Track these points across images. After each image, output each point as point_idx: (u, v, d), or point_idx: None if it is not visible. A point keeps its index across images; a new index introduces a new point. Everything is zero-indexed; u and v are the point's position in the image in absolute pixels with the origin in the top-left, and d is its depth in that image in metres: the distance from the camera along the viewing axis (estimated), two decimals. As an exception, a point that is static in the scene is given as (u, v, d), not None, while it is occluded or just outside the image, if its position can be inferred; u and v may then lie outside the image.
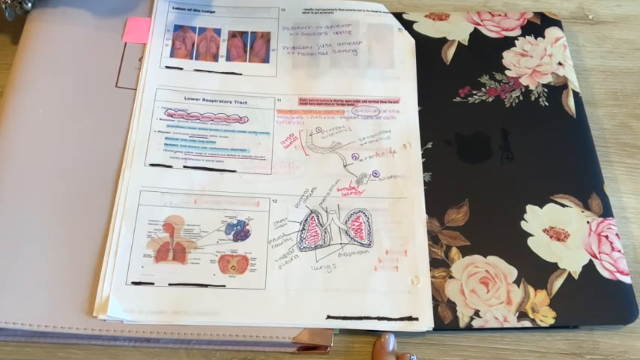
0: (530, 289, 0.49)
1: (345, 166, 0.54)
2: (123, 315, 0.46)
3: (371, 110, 0.57)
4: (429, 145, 0.56)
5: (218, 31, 0.60)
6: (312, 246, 0.51)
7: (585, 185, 0.54)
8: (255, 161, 0.54)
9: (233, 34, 0.60)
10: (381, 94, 0.58)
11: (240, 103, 0.57)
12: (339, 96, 0.58)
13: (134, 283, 0.48)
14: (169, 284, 0.48)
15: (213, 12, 0.61)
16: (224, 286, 0.48)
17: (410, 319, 0.48)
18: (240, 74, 0.58)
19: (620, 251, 0.51)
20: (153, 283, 0.48)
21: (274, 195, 0.52)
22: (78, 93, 0.55)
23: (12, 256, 0.48)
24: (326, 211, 0.52)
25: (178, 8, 0.61)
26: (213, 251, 0.50)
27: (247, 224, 0.51)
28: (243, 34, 0.61)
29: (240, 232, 0.51)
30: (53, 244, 0.49)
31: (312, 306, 0.48)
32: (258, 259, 0.50)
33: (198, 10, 0.61)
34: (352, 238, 0.51)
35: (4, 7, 0.58)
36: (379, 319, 0.48)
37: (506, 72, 0.60)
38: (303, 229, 0.51)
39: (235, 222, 0.51)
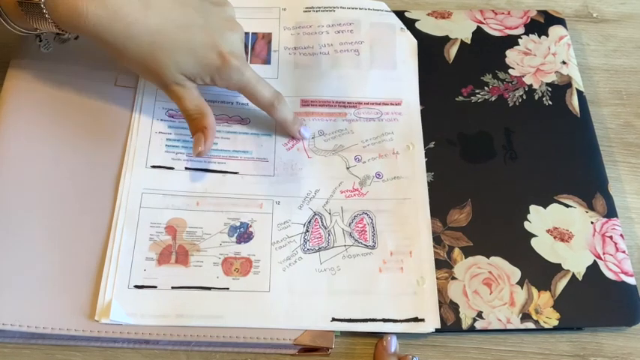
0: (534, 291, 0.49)
1: (348, 168, 0.54)
2: (126, 319, 0.46)
3: (373, 112, 0.57)
4: (432, 145, 0.55)
5: (219, 31, 0.60)
6: (316, 248, 0.50)
7: (589, 185, 0.54)
8: (258, 163, 0.54)
9: (234, 35, 0.60)
10: (383, 96, 0.58)
11: (242, 104, 0.56)
12: (341, 97, 0.57)
13: (136, 287, 0.48)
14: (172, 287, 0.48)
15: None
16: (227, 288, 0.48)
17: (416, 320, 0.48)
18: None
19: (624, 252, 0.51)
20: (155, 287, 0.48)
21: (277, 197, 0.52)
22: (76, 91, 0.55)
23: (11, 257, 0.48)
24: (329, 213, 0.52)
25: None
26: (217, 253, 0.49)
27: (250, 226, 0.51)
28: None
29: (243, 234, 0.50)
30: (52, 246, 0.48)
31: (317, 308, 0.48)
32: (261, 262, 0.49)
33: None
34: (356, 240, 0.51)
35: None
36: (384, 320, 0.48)
37: (510, 71, 0.59)
38: (307, 231, 0.51)
39: (238, 224, 0.51)
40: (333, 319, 0.47)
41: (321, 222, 0.51)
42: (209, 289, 0.48)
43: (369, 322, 0.48)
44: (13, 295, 0.46)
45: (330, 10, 0.62)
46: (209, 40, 0.48)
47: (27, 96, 0.54)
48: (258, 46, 0.60)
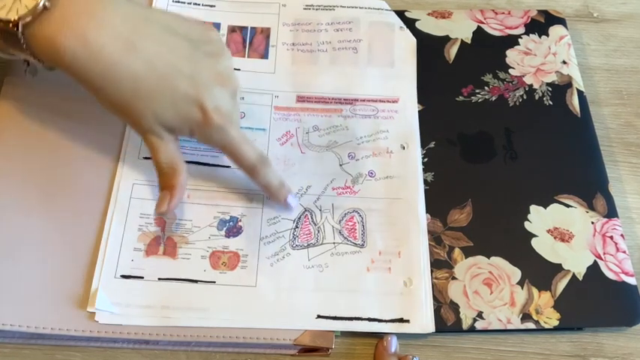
0: (534, 291, 0.49)
1: (340, 165, 0.54)
2: (111, 308, 0.46)
3: (369, 109, 0.56)
4: (432, 145, 0.55)
5: (217, 26, 0.60)
6: (305, 244, 0.50)
7: (590, 185, 0.53)
8: None
9: (232, 29, 0.60)
10: (380, 94, 0.57)
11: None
12: (338, 94, 0.57)
13: (123, 277, 0.47)
14: (159, 279, 0.48)
15: (214, 6, 0.61)
16: (214, 282, 0.48)
17: (401, 320, 0.47)
18: (239, 69, 0.58)
19: (625, 252, 0.50)
20: (142, 277, 0.48)
21: None
22: (75, 85, 0.54)
23: (9, 257, 0.47)
24: (320, 210, 0.52)
25: (178, 2, 0.61)
26: (205, 247, 0.49)
27: (240, 220, 0.50)
28: (242, 29, 0.60)
29: (232, 228, 0.50)
30: (51, 245, 0.48)
31: (303, 305, 0.47)
32: (249, 256, 0.49)
33: (198, 4, 0.61)
34: (345, 238, 0.50)
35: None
36: (370, 320, 0.47)
37: (510, 71, 0.59)
38: (297, 227, 0.51)
39: (228, 218, 0.50)
40: (319, 316, 0.47)
41: (311, 218, 0.51)
42: (196, 281, 0.48)
43: (354, 321, 0.47)
44: (13, 295, 0.46)
45: (330, 9, 0.61)
46: (193, 93, 0.44)
47: (26, 92, 0.54)
48: (257, 41, 0.60)
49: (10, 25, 0.41)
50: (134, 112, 0.44)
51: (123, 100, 0.43)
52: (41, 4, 0.41)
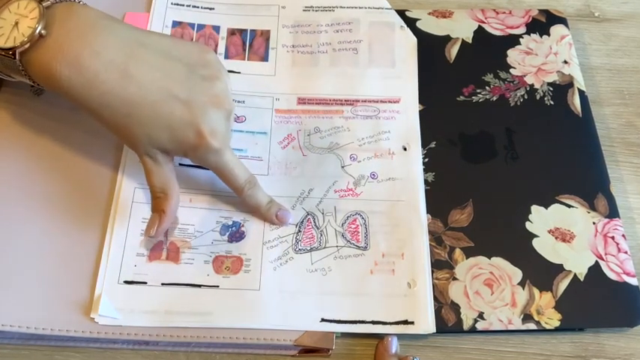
0: (535, 291, 0.49)
1: (342, 167, 0.54)
2: (114, 314, 0.46)
3: (370, 110, 0.56)
4: (432, 145, 0.55)
5: (217, 29, 0.60)
6: (308, 248, 0.50)
7: (591, 185, 0.53)
8: (252, 162, 0.53)
9: (232, 32, 0.60)
10: (381, 94, 0.57)
11: (238, 102, 0.56)
12: (339, 95, 0.57)
13: (126, 282, 0.47)
14: (162, 284, 0.48)
15: (213, 9, 0.61)
16: (217, 286, 0.48)
17: (405, 322, 0.47)
18: (239, 72, 0.58)
19: (626, 252, 0.50)
20: (145, 283, 0.48)
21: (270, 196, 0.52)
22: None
23: (9, 257, 0.47)
24: (322, 213, 0.51)
25: (177, 4, 0.61)
26: (208, 252, 0.49)
27: (242, 225, 0.50)
28: (242, 31, 0.60)
29: (235, 233, 0.50)
30: (50, 246, 0.48)
31: (307, 308, 0.47)
32: (252, 260, 0.49)
33: (198, 7, 0.61)
34: (348, 241, 0.50)
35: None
36: (374, 323, 0.47)
37: (511, 70, 0.59)
38: (299, 231, 0.51)
39: (230, 223, 0.50)
40: (323, 320, 0.47)
41: (314, 222, 0.51)
42: (199, 286, 0.48)
43: (358, 324, 0.47)
44: (12, 295, 0.46)
45: (330, 10, 0.61)
46: (188, 117, 0.44)
47: (25, 99, 0.54)
48: (256, 43, 0.59)
49: (10, 52, 0.42)
50: (129, 136, 0.45)
51: (119, 125, 0.44)
52: (37, 32, 0.42)
